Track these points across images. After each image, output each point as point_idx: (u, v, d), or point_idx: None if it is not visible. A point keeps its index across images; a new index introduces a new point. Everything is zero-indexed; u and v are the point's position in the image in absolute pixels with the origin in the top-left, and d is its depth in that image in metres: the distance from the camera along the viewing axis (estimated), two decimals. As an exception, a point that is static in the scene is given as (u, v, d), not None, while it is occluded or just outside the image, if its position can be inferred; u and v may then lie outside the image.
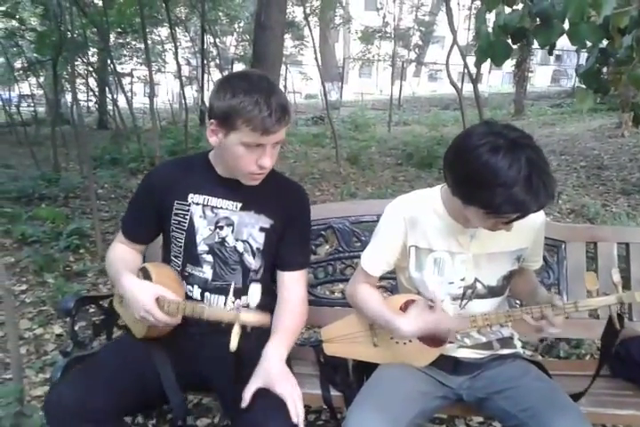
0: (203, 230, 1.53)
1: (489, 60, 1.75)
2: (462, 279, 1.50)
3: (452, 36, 6.17)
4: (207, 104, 1.45)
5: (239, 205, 1.53)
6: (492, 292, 1.53)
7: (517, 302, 1.88)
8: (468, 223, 1.44)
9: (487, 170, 1.22)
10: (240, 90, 1.34)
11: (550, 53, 1.91)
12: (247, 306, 1.55)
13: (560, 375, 1.70)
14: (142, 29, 5.11)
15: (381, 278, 1.84)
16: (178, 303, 1.42)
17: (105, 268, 1.67)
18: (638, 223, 4.82)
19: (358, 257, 2.06)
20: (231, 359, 1.42)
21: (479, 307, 1.52)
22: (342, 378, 1.67)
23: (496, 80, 23.46)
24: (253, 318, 1.34)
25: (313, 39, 8.50)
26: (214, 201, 1.53)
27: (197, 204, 1.53)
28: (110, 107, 11.50)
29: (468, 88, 8.28)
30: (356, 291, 1.59)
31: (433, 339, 1.50)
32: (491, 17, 1.94)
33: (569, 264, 1.99)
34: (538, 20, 1.64)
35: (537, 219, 1.50)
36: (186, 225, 1.54)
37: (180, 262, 1.56)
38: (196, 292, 1.55)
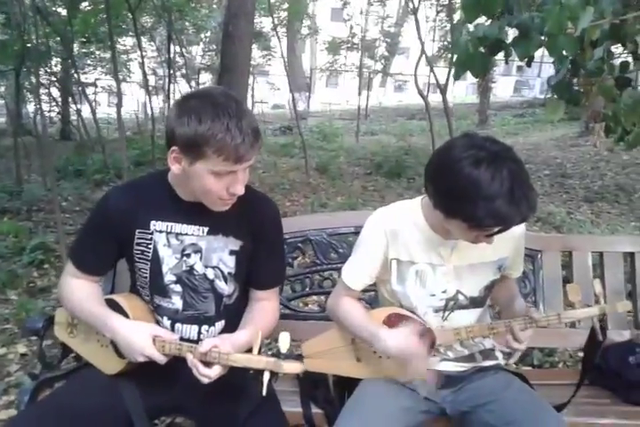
0: (168, 260, 1.42)
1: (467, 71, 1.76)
2: (444, 291, 1.49)
3: (420, 48, 6.27)
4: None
5: (206, 229, 1.42)
6: (473, 302, 1.52)
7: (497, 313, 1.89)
8: (449, 235, 1.43)
9: (469, 183, 1.22)
10: (207, 114, 1.22)
11: (528, 65, 1.94)
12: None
13: (539, 385, 1.70)
14: (110, 39, 5.03)
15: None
16: (179, 345, 1.32)
17: (64, 304, 1.51)
18: (602, 230, 4.94)
19: (336, 269, 2.05)
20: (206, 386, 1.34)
21: (461, 318, 1.51)
22: (323, 394, 1.63)
23: (460, 90, 23.87)
24: (297, 368, 1.24)
25: (282, 50, 8.50)
26: (179, 227, 1.41)
27: (160, 231, 1.41)
28: (74, 117, 11.28)
29: (432, 98, 8.40)
30: (337, 304, 1.56)
31: None
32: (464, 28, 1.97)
33: (545, 273, 2.01)
34: (517, 32, 1.66)
35: (517, 228, 1.49)
36: (150, 255, 1.42)
37: (147, 293, 1.47)
38: (166, 323, 1.46)
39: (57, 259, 4.19)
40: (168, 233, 1.42)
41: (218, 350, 1.27)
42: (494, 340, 1.61)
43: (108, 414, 1.37)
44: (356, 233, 2.04)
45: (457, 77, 1.86)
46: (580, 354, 2.70)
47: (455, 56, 1.75)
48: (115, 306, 1.44)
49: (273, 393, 1.48)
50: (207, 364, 1.29)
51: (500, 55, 1.80)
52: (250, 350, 1.28)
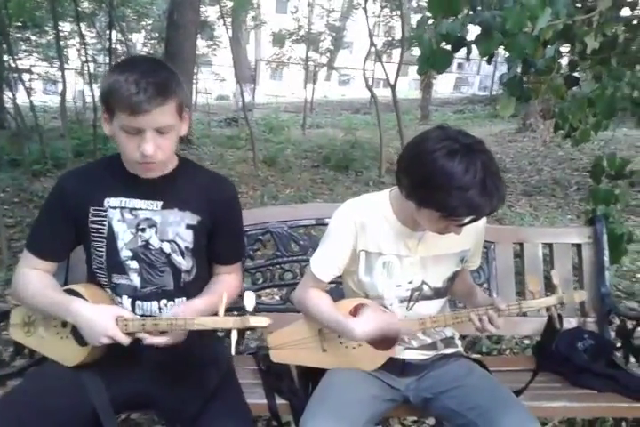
0: (123, 235, 1.43)
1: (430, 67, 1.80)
2: (410, 282, 1.52)
3: (370, 41, 6.34)
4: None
5: (160, 203, 1.44)
6: (437, 293, 1.56)
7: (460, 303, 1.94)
8: (417, 227, 1.46)
9: (444, 173, 1.25)
10: (118, 70, 1.29)
11: (489, 62, 2.00)
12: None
13: (495, 371, 1.77)
14: (54, 24, 4.78)
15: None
16: (143, 321, 1.33)
17: (19, 297, 1.47)
18: (542, 222, 5.15)
19: (297, 262, 2.07)
20: (171, 368, 1.40)
21: (425, 308, 1.55)
22: (288, 386, 1.64)
23: (403, 86, 24.27)
24: (264, 321, 1.27)
25: (230, 39, 8.37)
26: (132, 202, 1.43)
27: (114, 207, 1.43)
28: (8, 104, 10.72)
29: (377, 93, 8.49)
30: (306, 296, 1.57)
31: (382, 342, 1.50)
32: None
33: (498, 264, 2.08)
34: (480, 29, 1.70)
35: (479, 221, 1.54)
36: (105, 232, 1.43)
37: (104, 273, 1.46)
38: (126, 302, 1.45)
39: (-5, 251, 4.00)
40: (122, 208, 1.43)
41: (183, 317, 1.30)
42: (457, 328, 1.67)
43: (72, 409, 1.34)
44: (318, 225, 2.07)
45: (421, 73, 1.90)
46: (526, 342, 2.84)
47: (419, 52, 1.77)
48: (74, 295, 1.41)
49: (231, 373, 1.52)
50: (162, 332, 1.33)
51: (462, 52, 1.85)
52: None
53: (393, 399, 1.55)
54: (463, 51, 1.84)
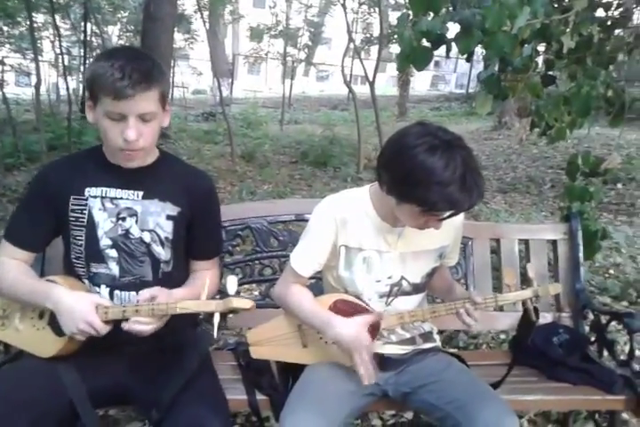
0: (104, 224, 1.44)
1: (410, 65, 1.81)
2: (389, 277, 1.53)
3: (348, 37, 6.34)
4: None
5: (140, 193, 1.45)
6: (416, 289, 1.58)
7: (438, 298, 1.96)
8: (397, 222, 1.48)
9: (424, 169, 1.26)
10: (104, 57, 1.32)
11: (468, 60, 2.02)
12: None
13: (472, 366, 1.79)
14: (28, 15, 4.68)
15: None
16: (123, 308, 1.33)
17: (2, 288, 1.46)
18: (517, 219, 5.22)
19: (276, 257, 2.06)
20: (149, 357, 1.41)
21: (404, 303, 1.57)
22: (268, 381, 1.64)
23: (380, 83, 24.34)
24: (248, 303, 1.28)
25: (207, 33, 8.29)
26: (113, 192, 1.45)
27: (95, 197, 1.44)
28: (-22, 96, 10.47)
29: (356, 89, 8.48)
30: (286, 291, 1.57)
31: None
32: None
33: (475, 260, 2.11)
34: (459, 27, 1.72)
35: (457, 218, 1.56)
36: (84, 221, 1.44)
37: (83, 263, 1.46)
38: (104, 291, 1.45)
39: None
40: (103, 198, 1.44)
41: (165, 301, 1.31)
42: (435, 323, 1.69)
43: (49, 402, 1.33)
44: (298, 221, 2.06)
45: (401, 70, 1.91)
46: (502, 336, 2.88)
47: (399, 49, 1.78)
48: None
49: (208, 360, 1.55)
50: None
51: (441, 50, 1.86)
52: None
53: (372, 394, 1.56)
54: (443, 48, 1.85)
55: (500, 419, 1.35)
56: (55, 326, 1.37)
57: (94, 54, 12.04)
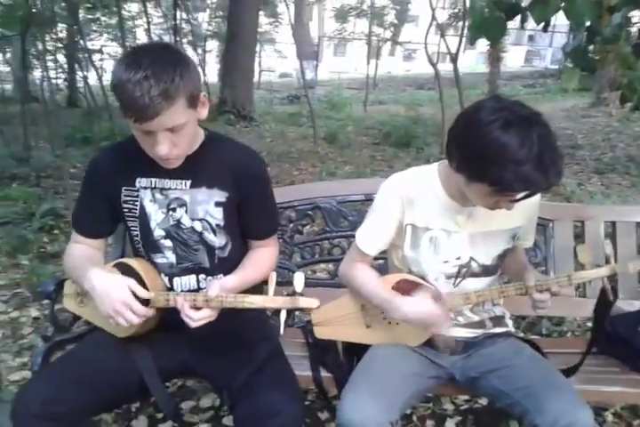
0: (155, 215, 1.44)
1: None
2: (458, 258, 1.48)
3: (432, 14, 6.13)
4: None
5: (189, 182, 1.42)
6: (486, 271, 1.51)
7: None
8: (466, 202, 1.41)
9: (498, 146, 1.19)
10: (124, 61, 1.22)
11: (545, 30, 1.88)
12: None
13: (549, 353, 1.71)
14: (116, 4, 4.89)
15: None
16: (194, 296, 1.33)
17: (64, 269, 1.54)
18: (614, 202, 4.90)
19: (345, 237, 2.05)
20: (219, 343, 1.41)
21: (472, 286, 1.51)
22: (333, 359, 1.65)
23: (470, 60, 23.45)
24: (314, 303, 1.27)
25: (290, 16, 8.32)
26: (162, 182, 1.43)
27: (146, 188, 1.43)
28: (80, 84, 11.16)
29: (442, 67, 8.24)
30: (351, 270, 1.56)
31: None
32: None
33: (556, 243, 1.99)
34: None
35: (533, 198, 1.48)
36: (137, 212, 1.44)
37: (143, 252, 1.49)
38: (164, 279, 1.47)
39: (66, 224, 4.20)
40: (153, 189, 1.44)
41: (234, 295, 1.30)
42: (508, 307, 1.62)
43: (122, 376, 1.40)
44: (367, 200, 2.03)
45: (472, 42, 1.82)
46: (589, 324, 2.72)
47: (470, 21, 1.69)
48: (127, 268, 1.45)
49: (280, 349, 1.52)
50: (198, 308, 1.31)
51: (516, 20, 1.74)
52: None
53: (437, 377, 1.53)
54: (517, 18, 1.73)
55: (572, 411, 1.27)
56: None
57: (185, 41, 12.48)
